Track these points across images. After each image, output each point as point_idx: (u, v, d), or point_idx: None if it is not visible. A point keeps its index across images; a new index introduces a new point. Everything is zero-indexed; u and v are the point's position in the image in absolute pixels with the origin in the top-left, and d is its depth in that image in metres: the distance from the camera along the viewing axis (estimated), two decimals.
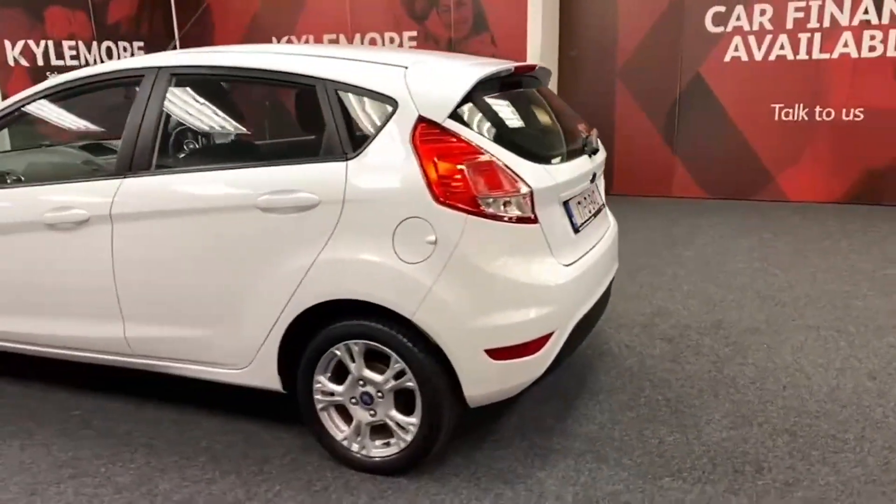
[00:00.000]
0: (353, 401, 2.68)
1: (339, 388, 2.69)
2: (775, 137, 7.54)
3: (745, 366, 3.54)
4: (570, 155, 2.88)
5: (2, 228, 3.11)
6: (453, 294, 2.45)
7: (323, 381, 2.71)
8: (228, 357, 2.85)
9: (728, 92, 7.66)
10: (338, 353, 2.65)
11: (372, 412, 2.66)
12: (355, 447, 2.72)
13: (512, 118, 2.82)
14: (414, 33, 8.81)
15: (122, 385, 3.50)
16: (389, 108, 2.55)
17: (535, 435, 2.95)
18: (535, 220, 2.53)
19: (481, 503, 2.52)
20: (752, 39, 7.43)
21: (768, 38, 7.37)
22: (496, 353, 2.49)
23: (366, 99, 2.62)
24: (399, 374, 2.58)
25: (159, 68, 2.93)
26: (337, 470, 2.74)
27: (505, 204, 2.47)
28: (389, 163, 2.51)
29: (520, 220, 2.50)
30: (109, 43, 9.00)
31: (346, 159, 2.56)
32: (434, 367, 2.53)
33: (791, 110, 7.43)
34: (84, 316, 3.05)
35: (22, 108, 3.19)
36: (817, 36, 7.22)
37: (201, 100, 3.10)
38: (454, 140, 2.47)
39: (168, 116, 2.92)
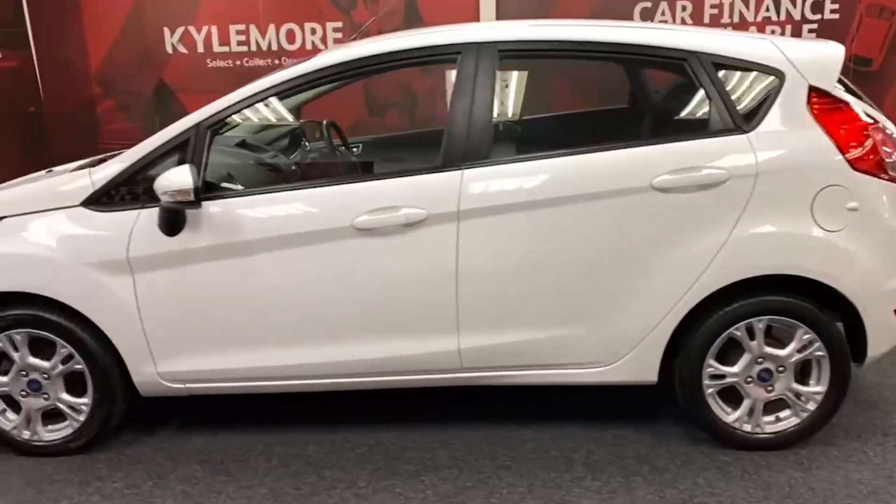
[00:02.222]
0: (749, 380, 2.63)
1: (732, 370, 2.62)
2: None
3: None
4: None
5: (287, 240, 2.54)
6: (872, 258, 2.53)
7: (715, 365, 2.62)
8: (592, 355, 2.63)
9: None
10: (737, 333, 2.58)
11: (769, 388, 2.63)
12: (747, 427, 2.67)
13: None
14: (339, 24, 8.35)
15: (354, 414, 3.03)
16: (775, 79, 2.54)
17: None
18: None
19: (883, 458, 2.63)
20: None
21: None
22: None
23: (747, 71, 2.58)
24: (803, 347, 2.59)
25: (481, 44, 2.59)
26: (730, 453, 2.67)
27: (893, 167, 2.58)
28: (794, 133, 2.51)
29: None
30: None
31: (745, 132, 2.51)
32: (839, 332, 2.59)
33: None
34: (404, 333, 2.61)
35: (293, 89, 2.62)
36: (729, 30, 8.15)
37: (544, 78, 2.78)
38: (847, 108, 2.55)
39: (503, 97, 2.60)
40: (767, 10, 8.18)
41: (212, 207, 2.56)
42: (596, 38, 2.60)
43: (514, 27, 2.65)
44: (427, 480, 2.56)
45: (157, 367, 2.67)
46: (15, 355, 2.68)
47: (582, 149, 2.56)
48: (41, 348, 2.69)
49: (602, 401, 3.04)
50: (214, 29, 8.49)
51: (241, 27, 8.49)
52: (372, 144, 3.57)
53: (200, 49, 8.56)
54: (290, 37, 8.51)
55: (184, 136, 2.59)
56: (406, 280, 2.56)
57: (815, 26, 8.23)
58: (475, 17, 8.13)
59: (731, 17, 8.16)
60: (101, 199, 2.61)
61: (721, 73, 2.56)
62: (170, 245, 2.55)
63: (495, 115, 2.60)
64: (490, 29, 2.64)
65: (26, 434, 2.78)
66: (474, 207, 2.50)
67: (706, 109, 2.58)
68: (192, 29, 8.52)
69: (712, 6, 8.21)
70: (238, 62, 8.67)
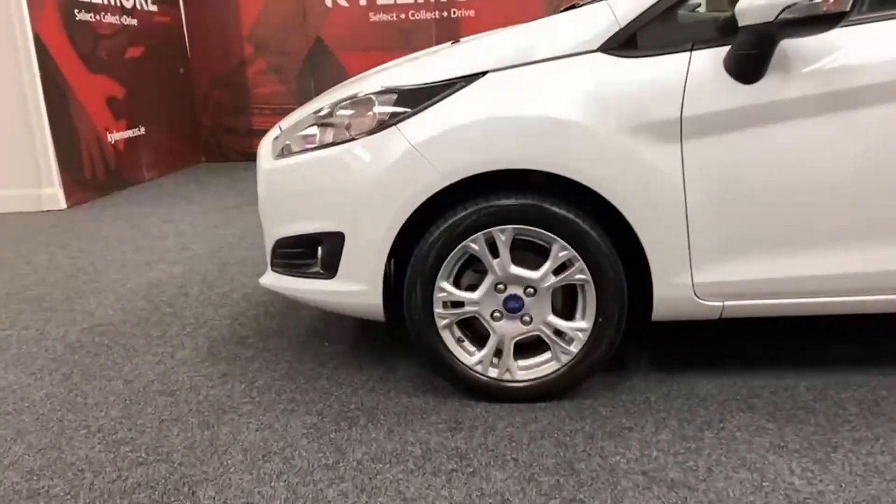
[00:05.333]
0: None
1: None
2: None
3: None
4: None
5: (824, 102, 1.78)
6: None
7: None
8: None
9: None
10: None
11: None
12: None
13: None
14: None
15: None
16: None
17: None
18: None
19: None
20: None
21: None
22: None
23: None
24: None
25: None
26: None
27: None
28: None
29: None
30: None
31: None
32: None
33: None
34: None
35: None
36: None
37: None
38: None
39: None
40: None
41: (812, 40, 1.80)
42: None
43: None
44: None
45: (693, 275, 1.92)
46: (493, 262, 1.96)
47: None
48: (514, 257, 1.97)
49: None
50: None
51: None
52: None
53: (363, 2, 7.91)
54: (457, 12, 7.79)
55: None
56: None
57: None
58: None
59: None
60: (632, 41, 1.87)
61: None
62: (744, 97, 1.80)
63: None
64: None
65: (493, 372, 2.05)
66: None
67: None
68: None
69: None
70: (403, 15, 7.99)
